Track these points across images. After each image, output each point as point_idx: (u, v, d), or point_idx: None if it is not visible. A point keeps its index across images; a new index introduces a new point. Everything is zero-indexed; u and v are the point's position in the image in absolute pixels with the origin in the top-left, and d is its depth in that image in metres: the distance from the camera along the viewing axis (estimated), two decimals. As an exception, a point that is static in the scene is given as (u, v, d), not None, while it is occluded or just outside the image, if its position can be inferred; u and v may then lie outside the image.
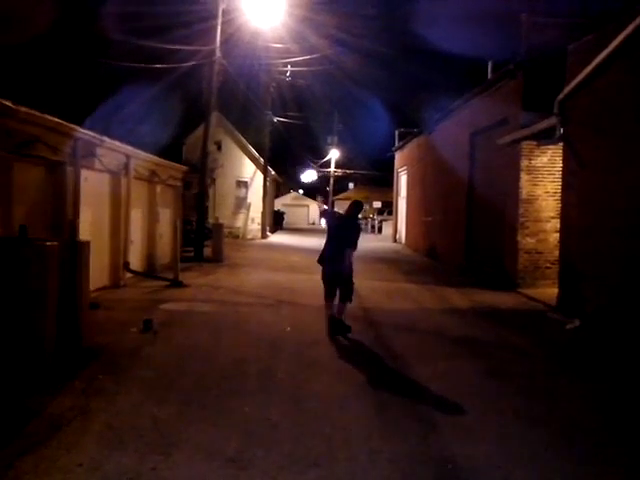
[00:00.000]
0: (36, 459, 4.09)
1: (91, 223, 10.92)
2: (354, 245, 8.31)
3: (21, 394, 5.30)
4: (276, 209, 45.07)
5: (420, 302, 11.51)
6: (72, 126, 9.71)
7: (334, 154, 62.37)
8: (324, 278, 8.47)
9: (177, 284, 12.44)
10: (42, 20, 18.08)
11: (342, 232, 8.33)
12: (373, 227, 43.51)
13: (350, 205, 8.75)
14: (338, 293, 8.38)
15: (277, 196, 49.00)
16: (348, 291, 8.26)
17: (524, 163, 12.79)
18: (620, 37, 8.31)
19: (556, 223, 11.96)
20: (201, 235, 18.81)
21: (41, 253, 5.83)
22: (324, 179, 67.12)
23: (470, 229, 16.91)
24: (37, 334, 5.78)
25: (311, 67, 27.72)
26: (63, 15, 18.89)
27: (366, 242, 17.17)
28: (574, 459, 4.42)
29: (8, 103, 7.68)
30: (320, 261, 8.52)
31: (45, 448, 4.26)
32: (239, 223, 31.75)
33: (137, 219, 13.70)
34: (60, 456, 4.15)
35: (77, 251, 6.62)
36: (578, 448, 4.62)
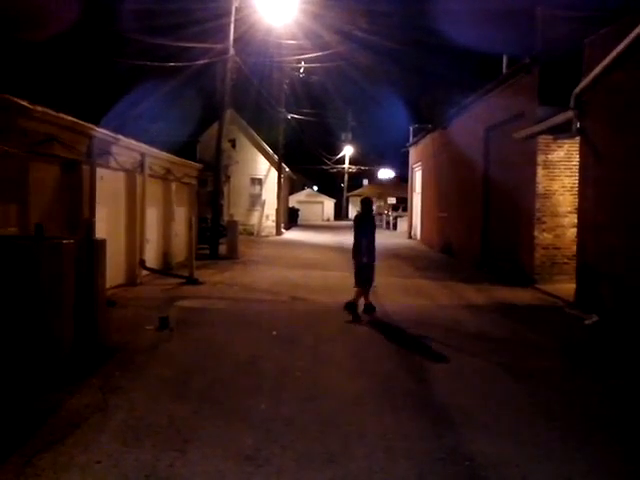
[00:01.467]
0: (54, 456, 4.12)
1: (107, 221, 10.97)
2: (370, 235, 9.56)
3: (39, 392, 5.34)
4: (290, 206, 45.09)
5: (436, 298, 11.45)
6: (87, 125, 9.76)
7: (348, 150, 62.39)
8: (358, 268, 9.52)
9: (192, 281, 12.48)
10: (59, 20, 18.20)
11: (367, 227, 9.66)
12: (388, 223, 43.34)
13: (361, 204, 10.07)
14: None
15: (291, 193, 49.03)
16: (371, 278, 9.53)
17: (540, 158, 12.67)
18: (637, 30, 8.20)
19: (573, 218, 11.85)
20: (216, 233, 18.86)
21: (57, 251, 5.86)
22: (338, 175, 67.16)
23: (486, 225, 16.79)
24: (54, 332, 5.83)
25: (324, 63, 27.68)
26: (78, 14, 18.99)
27: (381, 238, 17.07)
28: (592, 457, 4.37)
29: (24, 102, 7.73)
30: (364, 260, 9.41)
31: (63, 445, 4.29)
32: (254, 220, 31.80)
33: (152, 217, 13.76)
34: (78, 453, 4.18)
35: (93, 249, 6.66)
36: (596, 446, 4.57)
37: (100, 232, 9.58)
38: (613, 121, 9.43)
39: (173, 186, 15.26)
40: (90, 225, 7.20)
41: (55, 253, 5.85)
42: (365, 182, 72.67)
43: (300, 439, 4.53)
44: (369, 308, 9.54)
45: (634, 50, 8.53)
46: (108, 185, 11.11)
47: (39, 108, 8.10)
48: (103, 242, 6.96)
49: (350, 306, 9.34)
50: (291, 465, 4.11)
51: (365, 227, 9.64)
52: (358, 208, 10.57)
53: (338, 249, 21.85)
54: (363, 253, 9.36)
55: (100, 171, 10.58)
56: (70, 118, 9.10)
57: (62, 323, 5.89)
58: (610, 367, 6.86)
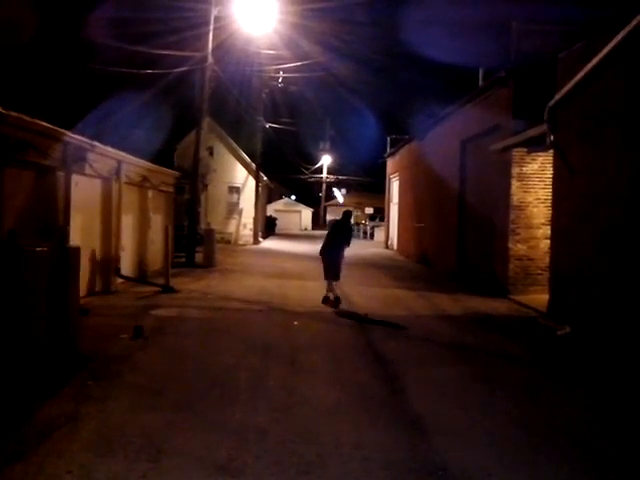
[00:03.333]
0: (25, 466, 4.05)
1: (82, 228, 10.87)
2: (348, 242, 11.54)
3: (10, 400, 5.25)
4: (268, 215, 45.05)
5: (412, 308, 11.51)
6: (63, 131, 9.67)
7: (326, 160, 62.61)
8: (324, 265, 11.45)
9: (168, 290, 12.39)
10: (32, 25, 18.03)
11: (338, 233, 11.59)
12: (365, 233, 43.46)
13: (343, 213, 12.10)
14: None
15: (269, 202, 48.99)
16: (337, 273, 11.31)
17: (515, 170, 12.84)
18: (610, 45, 8.36)
19: (547, 230, 12.02)
20: (193, 241, 18.76)
21: (30, 259, 5.79)
22: (315, 185, 67.35)
23: (461, 235, 16.95)
24: (26, 340, 5.74)
25: (303, 73, 27.78)
26: (54, 20, 18.85)
27: (357, 248, 17.26)
28: (565, 465, 4.43)
29: (-2, 108, 7.65)
30: (321, 253, 11.53)
31: (34, 455, 4.22)
32: (231, 229, 31.70)
33: (128, 224, 13.65)
34: (49, 463, 4.12)
35: (67, 257, 6.58)
36: (568, 454, 4.63)
37: (75, 239, 9.53)
38: (585, 135, 9.60)
39: (150, 193, 15.18)
40: (64, 232, 7.13)
41: (28, 260, 5.77)
42: (343, 191, 72.91)
43: (275, 449, 4.52)
44: (335, 300, 11.23)
45: (606, 66, 8.70)
46: (83, 192, 11.00)
47: (13, 114, 8.01)
48: (77, 249, 6.89)
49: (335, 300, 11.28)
50: (265, 475, 4.10)
51: (332, 232, 11.82)
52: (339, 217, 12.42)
53: (316, 258, 21.85)
54: (321, 252, 11.50)
55: (75, 178, 10.48)
56: (45, 124, 9.01)
57: (34, 331, 5.80)
58: (581, 378, 6.95)
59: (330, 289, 11.35)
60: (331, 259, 11.27)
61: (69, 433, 4.65)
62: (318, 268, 12.09)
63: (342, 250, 11.35)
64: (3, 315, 5.61)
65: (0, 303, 5.60)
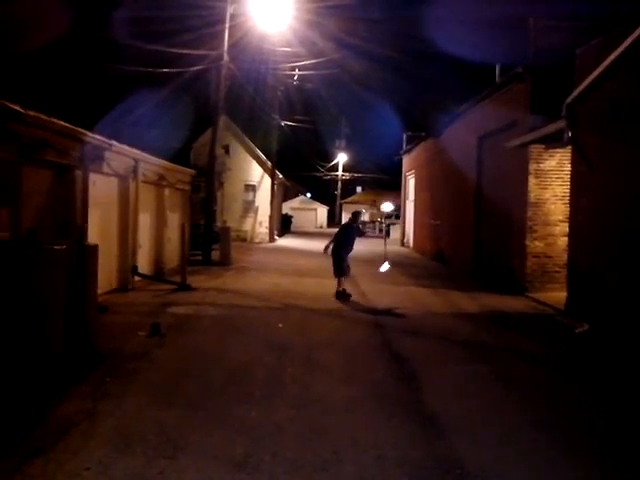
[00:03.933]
0: (43, 462, 4.10)
1: (99, 227, 10.95)
2: (352, 243, 12.27)
3: (29, 398, 5.31)
4: (284, 213, 45.07)
5: (428, 306, 11.46)
6: (80, 130, 9.74)
7: (342, 158, 62.56)
8: (333, 263, 12.22)
9: (185, 288, 12.45)
10: (53, 26, 18.20)
11: (344, 233, 12.36)
12: (381, 230, 43.26)
13: (352, 214, 12.94)
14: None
15: (285, 200, 49.03)
16: (341, 270, 12.04)
17: (532, 166, 12.74)
18: (628, 40, 8.27)
19: (565, 227, 11.91)
20: (209, 239, 18.83)
21: (49, 257, 5.84)
22: (331, 183, 67.34)
23: (478, 233, 16.85)
24: (45, 337, 5.79)
25: (319, 71, 27.69)
26: (73, 20, 19.00)
27: (373, 246, 17.25)
28: (582, 465, 4.39)
29: (17, 107, 7.72)
30: (331, 252, 12.23)
31: (52, 452, 4.27)
32: (247, 226, 31.78)
33: (145, 223, 13.73)
34: (67, 460, 4.15)
35: (85, 255, 6.64)
36: (586, 454, 4.58)
37: (92, 237, 9.60)
38: (604, 131, 9.50)
39: (166, 192, 15.25)
40: (82, 230, 7.18)
41: (47, 258, 5.82)
42: (359, 189, 72.79)
43: (291, 446, 4.53)
44: (339, 294, 11.94)
45: (625, 61, 8.61)
46: (101, 190, 11.08)
47: (31, 113, 8.08)
48: (95, 247, 6.95)
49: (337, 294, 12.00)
50: (281, 472, 4.10)
51: (340, 232, 12.47)
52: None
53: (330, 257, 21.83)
54: (332, 251, 12.20)
55: (93, 176, 10.56)
56: (62, 123, 9.08)
57: (53, 329, 5.86)
58: (600, 376, 6.88)
59: (339, 284, 12.06)
60: (337, 257, 12.04)
61: (87, 430, 4.69)
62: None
63: (346, 249, 12.09)
64: (22, 313, 5.67)
65: (19, 301, 5.67)
